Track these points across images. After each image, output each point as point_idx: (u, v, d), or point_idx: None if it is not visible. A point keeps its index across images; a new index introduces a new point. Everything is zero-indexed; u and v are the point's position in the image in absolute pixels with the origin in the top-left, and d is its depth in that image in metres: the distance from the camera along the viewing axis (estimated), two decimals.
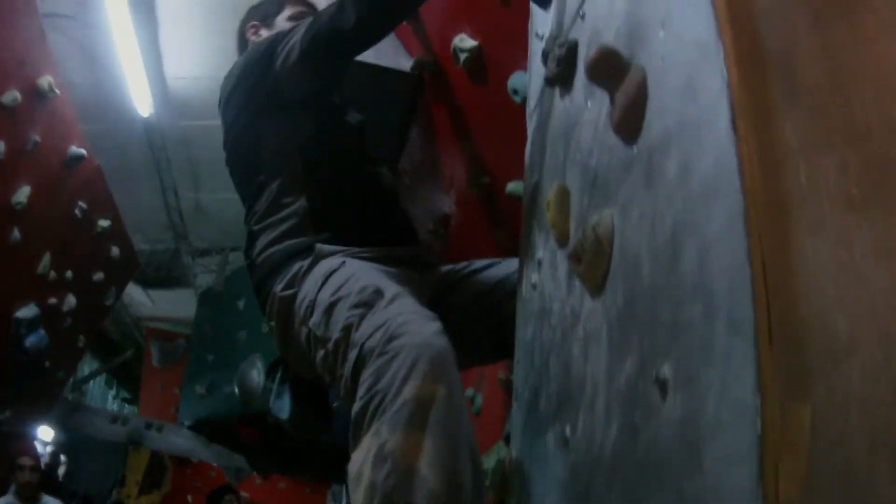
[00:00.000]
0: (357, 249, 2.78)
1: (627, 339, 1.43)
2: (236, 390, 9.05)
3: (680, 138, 1.28)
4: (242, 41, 3.53)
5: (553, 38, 2.25)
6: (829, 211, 0.93)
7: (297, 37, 2.89)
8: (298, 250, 2.81)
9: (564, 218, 1.99)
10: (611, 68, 1.62)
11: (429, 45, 4.03)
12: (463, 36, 3.57)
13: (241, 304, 10.27)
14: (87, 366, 15.90)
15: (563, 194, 2.02)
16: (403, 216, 3.25)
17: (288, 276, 2.77)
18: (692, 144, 1.23)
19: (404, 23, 3.82)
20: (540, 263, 2.27)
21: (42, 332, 7.65)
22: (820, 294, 0.91)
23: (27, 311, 7.37)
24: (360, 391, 2.15)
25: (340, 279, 2.56)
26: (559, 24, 2.29)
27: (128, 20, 7.69)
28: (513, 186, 3.42)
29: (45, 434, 12.90)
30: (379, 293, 2.40)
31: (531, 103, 2.75)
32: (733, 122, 1.10)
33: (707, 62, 1.19)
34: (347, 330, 2.34)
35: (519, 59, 3.07)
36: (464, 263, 3.13)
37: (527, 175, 2.68)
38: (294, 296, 2.72)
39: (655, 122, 1.43)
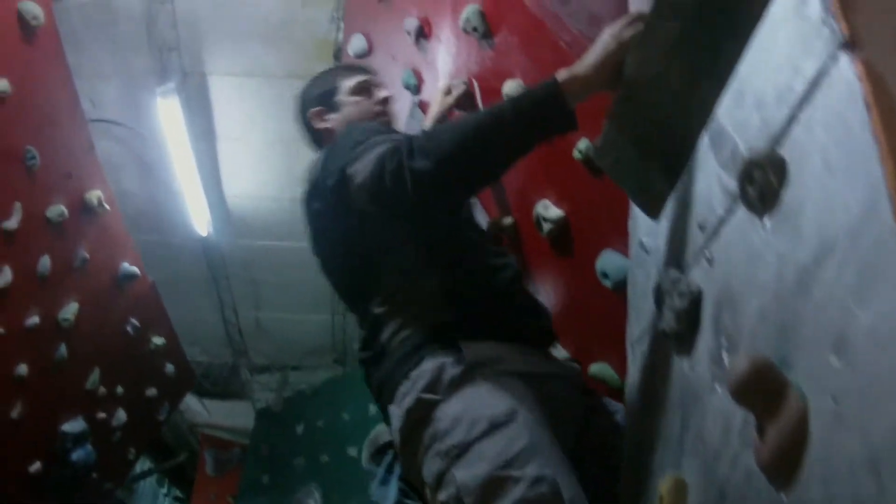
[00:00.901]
0: (507, 353, 2.41)
1: None
2: None
3: None
4: (310, 131, 3.15)
5: (670, 279, 1.81)
6: None
7: (364, 167, 2.41)
8: (436, 333, 2.42)
9: None
10: (763, 390, 1.24)
11: (507, 206, 3.66)
12: (547, 203, 3.17)
13: (299, 429, 10.10)
14: (138, 464, 15.63)
15: (680, 491, 1.64)
16: (531, 296, 2.86)
17: (430, 376, 2.32)
18: None
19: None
20: None
21: (89, 446, 7.34)
22: None
23: (74, 426, 7.07)
24: None
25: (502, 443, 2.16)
26: (677, 259, 1.86)
27: (184, 135, 7.49)
28: (596, 368, 3.03)
29: None
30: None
31: (634, 329, 2.37)
32: None
33: None
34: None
35: (610, 237, 2.78)
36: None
37: (628, 430, 2.36)
38: (435, 404, 2.28)
39: (817, 471, 1.11)
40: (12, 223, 5.28)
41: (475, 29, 3.40)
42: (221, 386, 12.69)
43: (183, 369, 9.05)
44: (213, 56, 7.38)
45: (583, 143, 2.77)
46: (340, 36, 6.74)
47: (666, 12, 1.73)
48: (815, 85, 1.22)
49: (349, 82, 3.08)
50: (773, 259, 1.32)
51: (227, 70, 7.50)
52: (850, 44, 1.13)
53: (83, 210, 6.04)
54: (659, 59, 1.80)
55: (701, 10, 1.63)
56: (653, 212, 2.09)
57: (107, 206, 6.20)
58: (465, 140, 2.23)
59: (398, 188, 2.22)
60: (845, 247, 1.10)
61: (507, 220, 3.60)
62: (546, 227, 3.16)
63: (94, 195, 6.06)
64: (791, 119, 1.29)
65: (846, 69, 1.13)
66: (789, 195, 1.30)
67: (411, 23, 4.11)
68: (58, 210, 5.70)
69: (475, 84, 3.54)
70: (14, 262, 5.46)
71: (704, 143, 1.71)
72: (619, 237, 2.66)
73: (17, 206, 5.30)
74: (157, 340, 8.04)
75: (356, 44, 5.02)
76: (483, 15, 3.37)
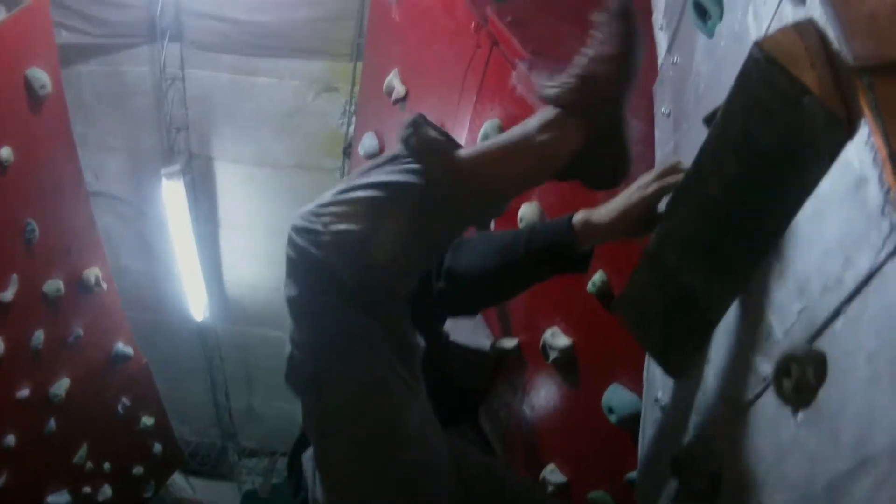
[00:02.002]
0: None
1: None
2: None
3: None
4: None
5: (690, 453, 1.73)
6: None
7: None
8: None
9: None
10: None
11: (511, 327, 3.56)
12: (556, 330, 3.05)
13: None
14: None
15: None
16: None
17: None
18: None
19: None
20: None
21: None
22: None
23: (59, 498, 6.91)
24: None
25: None
26: (698, 430, 1.78)
27: (187, 218, 7.39)
28: (596, 496, 2.91)
29: None
30: None
31: (647, 488, 2.26)
32: None
33: None
34: None
35: (619, 371, 2.70)
36: None
37: None
38: None
39: None
40: (7, 295, 5.13)
41: None
42: (209, 466, 12.45)
43: (171, 449, 8.88)
44: (221, 140, 7.34)
45: (598, 276, 2.70)
46: (351, 130, 6.68)
47: (706, 175, 1.64)
48: (867, 281, 1.14)
49: None
50: (803, 457, 1.25)
51: (235, 157, 7.46)
52: None
53: (80, 287, 5.92)
54: (699, 217, 1.72)
55: (744, 177, 1.53)
56: (673, 371, 2.00)
57: (104, 285, 6.09)
58: (477, 269, 2.35)
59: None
60: (886, 468, 1.02)
61: (511, 343, 3.48)
62: (552, 354, 3.04)
63: (93, 273, 5.94)
64: (837, 313, 1.21)
65: None
66: (827, 394, 1.21)
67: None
68: (55, 285, 5.58)
69: None
70: (7, 334, 5.31)
71: (737, 312, 1.63)
72: (627, 372, 2.61)
73: (14, 278, 5.16)
74: (147, 420, 7.90)
75: (367, 143, 4.87)
76: (503, 132, 3.29)
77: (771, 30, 1.72)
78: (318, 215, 1.90)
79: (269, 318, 8.70)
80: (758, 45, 1.39)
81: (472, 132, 3.56)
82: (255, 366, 9.93)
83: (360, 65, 6.22)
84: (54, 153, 5.26)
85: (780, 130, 1.40)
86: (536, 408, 3.35)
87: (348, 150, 6.76)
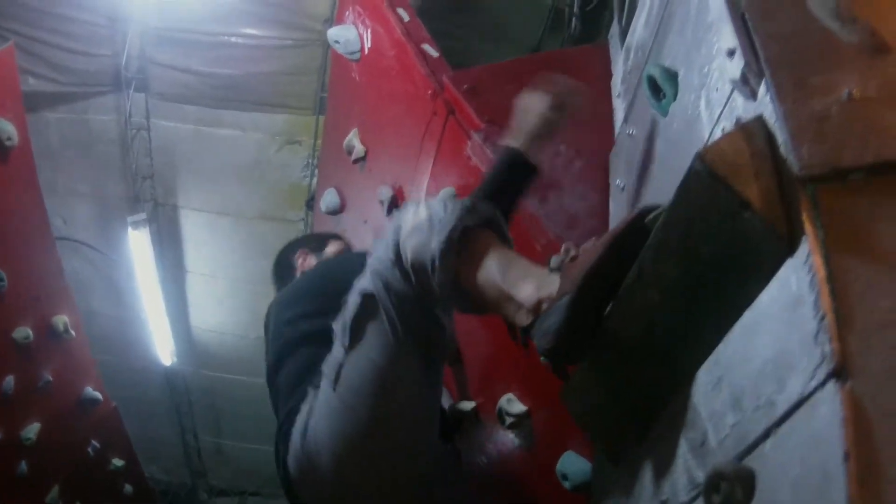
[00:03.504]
0: None
1: None
2: None
3: None
4: (284, 267, 3.54)
5: None
6: None
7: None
8: None
9: None
10: None
11: (468, 391, 3.57)
12: (511, 397, 3.03)
13: None
14: None
15: None
16: None
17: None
18: None
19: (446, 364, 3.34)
20: None
21: None
22: None
23: None
24: None
25: None
26: None
27: (153, 265, 7.35)
28: None
29: None
30: None
31: None
32: None
33: None
34: None
35: (573, 438, 2.70)
36: None
37: None
38: None
39: None
40: None
41: None
42: None
43: (142, 490, 8.77)
44: (186, 189, 7.32)
45: None
46: (314, 183, 6.66)
47: (647, 279, 1.61)
48: (797, 407, 1.14)
49: (337, 247, 3.58)
50: None
51: (200, 206, 7.43)
52: (840, 372, 1.05)
53: (49, 333, 5.85)
54: (640, 319, 1.68)
55: (684, 284, 1.51)
56: (613, 458, 2.04)
57: (72, 332, 6.02)
58: None
59: None
60: None
61: (469, 406, 3.48)
62: (508, 420, 3.02)
63: (61, 320, 5.87)
64: (767, 434, 1.21)
65: (831, 399, 1.06)
66: None
67: (385, 192, 3.97)
68: (24, 332, 5.49)
69: None
70: None
71: (679, 410, 1.62)
72: (582, 440, 2.61)
73: None
74: (118, 462, 7.81)
75: (329, 199, 4.82)
76: None
77: (721, 120, 1.70)
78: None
79: (234, 364, 8.67)
80: (700, 157, 1.36)
81: (430, 197, 3.52)
82: (222, 409, 9.86)
83: (322, 118, 6.19)
84: (21, 203, 5.20)
85: (720, 242, 1.38)
86: (494, 468, 3.34)
87: (311, 203, 6.73)
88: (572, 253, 1.87)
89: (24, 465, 6.13)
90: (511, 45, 5.53)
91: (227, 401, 9.48)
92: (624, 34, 3.44)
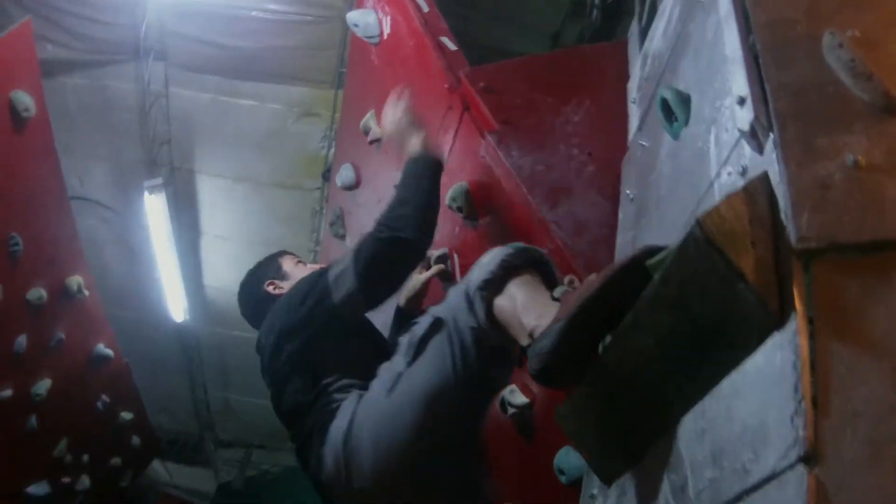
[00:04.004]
0: None
1: None
2: None
3: None
4: (260, 302, 3.40)
5: None
6: None
7: (342, 267, 2.89)
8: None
9: None
10: None
11: None
12: (514, 388, 3.08)
13: None
14: None
15: None
16: None
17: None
18: None
19: None
20: None
21: None
22: None
23: (38, 489, 6.88)
24: None
25: None
26: None
27: (169, 227, 7.32)
28: None
29: None
30: None
31: None
32: None
33: None
34: None
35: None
36: None
37: None
38: None
39: None
40: None
41: (460, 209, 3.36)
42: (186, 454, 12.40)
43: (149, 441, 8.92)
44: (203, 155, 7.27)
45: None
46: (332, 154, 6.63)
47: (643, 324, 1.64)
48: (768, 481, 1.18)
49: (292, 260, 3.56)
50: None
51: (217, 171, 7.40)
52: (810, 458, 1.10)
53: (63, 294, 5.91)
54: (633, 360, 1.72)
55: (677, 336, 1.54)
56: (605, 479, 2.07)
57: (86, 292, 6.06)
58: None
59: (391, 250, 2.88)
60: None
61: None
62: (510, 410, 3.06)
63: (75, 281, 5.93)
64: (739, 498, 1.26)
65: (799, 482, 1.10)
66: None
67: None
68: (37, 293, 5.56)
69: (455, 257, 3.51)
70: None
71: (664, 449, 1.67)
72: None
73: None
74: (126, 415, 7.90)
75: (345, 174, 4.80)
76: (469, 196, 3.33)
77: (729, 163, 1.70)
78: None
79: (245, 321, 8.57)
80: (699, 223, 1.38)
81: (443, 189, 3.51)
82: (232, 365, 9.91)
83: (341, 92, 6.16)
84: (38, 171, 5.25)
85: (713, 306, 1.41)
86: (494, 456, 3.34)
87: (327, 175, 6.70)
88: (574, 285, 1.91)
89: (33, 420, 6.22)
90: (530, 31, 5.49)
91: (236, 357, 9.51)
92: (643, 34, 3.40)
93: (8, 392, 5.71)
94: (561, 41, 5.48)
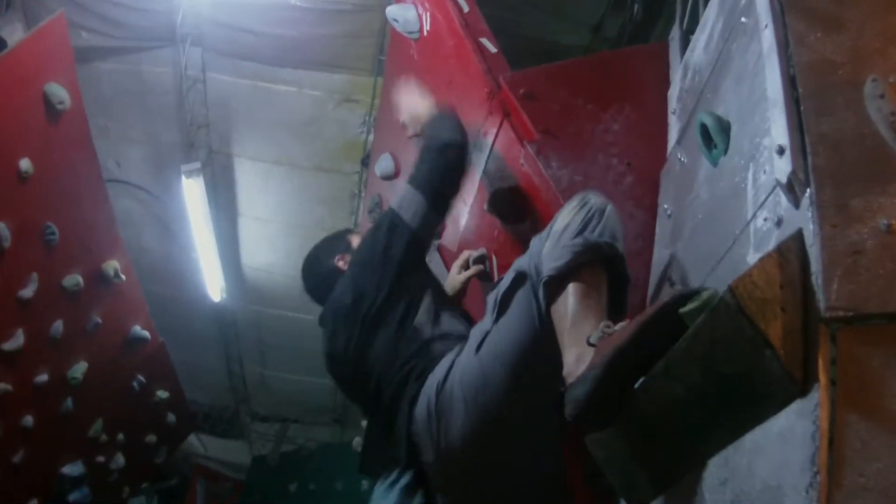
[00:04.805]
0: None
1: None
2: None
3: None
4: (327, 275, 3.45)
5: None
6: None
7: (401, 195, 3.11)
8: None
9: None
10: None
11: None
12: None
13: (292, 487, 9.99)
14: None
15: None
16: None
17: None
18: None
19: None
20: None
21: (86, 489, 7.25)
22: None
23: (73, 469, 6.99)
24: None
25: None
26: None
27: (206, 208, 7.34)
28: None
29: None
30: None
31: None
32: None
33: None
34: None
35: None
36: None
37: None
38: None
39: None
40: (28, 292, 5.21)
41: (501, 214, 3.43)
42: (221, 427, 12.52)
43: (184, 418, 8.94)
44: (241, 139, 7.28)
45: None
46: (370, 140, 6.63)
47: (674, 373, 1.71)
48: None
49: (356, 237, 3.51)
50: None
51: (255, 155, 7.41)
52: None
53: (99, 278, 5.96)
54: (663, 404, 1.79)
55: (704, 388, 1.61)
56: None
57: (123, 277, 6.10)
58: None
59: None
60: None
61: None
62: None
63: (111, 266, 5.97)
64: None
65: None
66: None
67: None
68: (74, 280, 5.63)
69: (493, 259, 3.57)
70: (27, 327, 5.39)
71: (688, 490, 1.76)
72: None
73: (34, 276, 5.23)
74: (162, 394, 7.92)
75: (384, 164, 4.82)
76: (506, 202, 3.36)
77: (765, 208, 1.70)
78: None
79: (283, 300, 8.65)
80: (731, 290, 1.44)
81: (481, 191, 3.54)
82: (268, 342, 9.96)
83: (380, 80, 6.13)
84: (74, 162, 5.31)
85: (741, 366, 1.46)
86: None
87: (366, 161, 6.68)
88: (609, 330, 1.93)
89: (69, 402, 6.32)
90: (571, 22, 5.46)
91: (273, 334, 9.58)
92: (684, 39, 3.40)
93: (45, 377, 5.82)
94: (601, 33, 5.45)
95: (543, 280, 2.30)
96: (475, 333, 2.67)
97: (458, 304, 3.44)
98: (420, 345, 2.87)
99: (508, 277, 2.57)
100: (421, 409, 2.68)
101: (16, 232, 4.85)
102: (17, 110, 4.65)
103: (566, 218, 2.43)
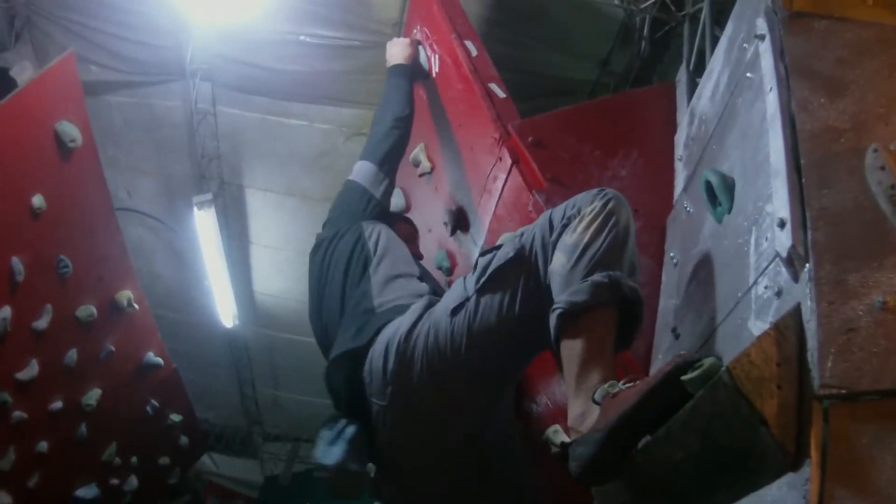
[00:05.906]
0: None
1: None
2: None
3: None
4: None
5: None
6: None
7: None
8: None
9: None
10: None
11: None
12: (558, 428, 3.16)
13: None
14: None
15: None
16: None
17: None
18: None
19: None
20: None
21: None
22: None
23: (87, 492, 7.00)
24: None
25: None
26: None
27: (218, 237, 7.35)
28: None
29: None
30: None
31: None
32: None
33: None
34: None
35: None
36: None
37: None
38: None
39: None
40: (42, 323, 5.26)
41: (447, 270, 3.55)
42: (234, 448, 12.53)
43: (197, 440, 9.04)
44: (253, 171, 7.27)
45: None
46: None
47: (675, 439, 1.74)
48: None
49: None
50: None
51: (266, 186, 7.41)
52: None
53: (112, 309, 6.02)
54: (664, 465, 1.82)
55: (702, 456, 1.65)
56: None
57: (136, 306, 6.15)
58: None
59: None
60: None
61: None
62: (553, 449, 3.15)
63: (124, 296, 6.03)
64: None
65: None
66: None
67: (450, 216, 4.02)
68: (88, 310, 5.69)
69: None
70: (42, 357, 5.43)
71: None
72: None
73: (48, 307, 5.29)
74: (175, 417, 7.99)
75: (396, 200, 4.81)
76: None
77: (766, 275, 1.73)
78: None
79: (295, 326, 8.59)
80: (729, 371, 1.49)
81: (492, 234, 3.54)
82: (280, 364, 9.97)
83: None
84: (86, 196, 5.37)
85: (736, 440, 1.51)
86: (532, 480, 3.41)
87: None
88: (614, 391, 1.95)
89: (83, 428, 6.37)
90: (579, 57, 5.48)
91: (285, 357, 9.57)
92: (691, 82, 3.42)
93: (59, 404, 5.86)
94: (609, 68, 5.48)
95: (558, 311, 2.25)
96: (456, 291, 2.70)
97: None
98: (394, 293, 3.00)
99: (506, 252, 2.59)
100: (381, 345, 2.75)
101: (29, 266, 4.91)
102: (29, 149, 4.70)
103: (589, 229, 2.35)
